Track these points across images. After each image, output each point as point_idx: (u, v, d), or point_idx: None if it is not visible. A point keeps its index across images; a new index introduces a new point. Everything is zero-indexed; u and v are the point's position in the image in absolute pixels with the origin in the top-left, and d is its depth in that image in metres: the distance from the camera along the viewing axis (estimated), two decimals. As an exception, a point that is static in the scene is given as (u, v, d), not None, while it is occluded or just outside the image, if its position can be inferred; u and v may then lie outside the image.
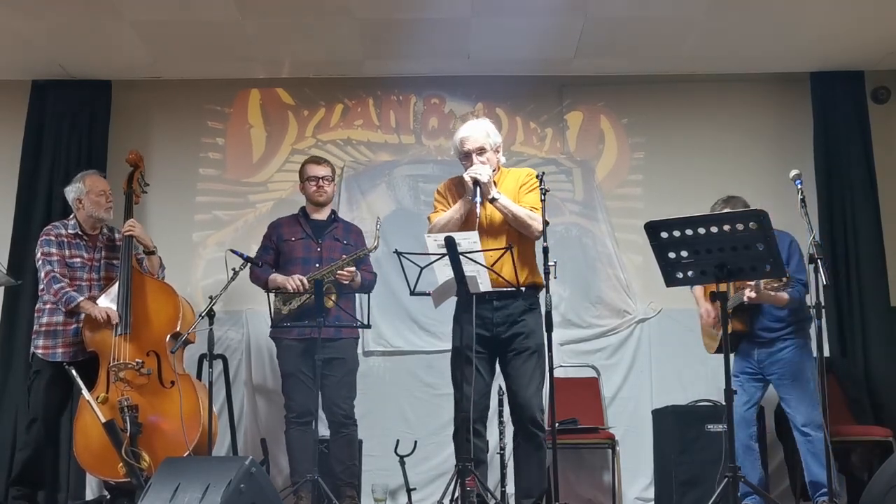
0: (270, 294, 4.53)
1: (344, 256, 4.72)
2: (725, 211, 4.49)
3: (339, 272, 4.64)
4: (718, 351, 4.69)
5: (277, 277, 4.71)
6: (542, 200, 3.98)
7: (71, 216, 4.69)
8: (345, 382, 4.73)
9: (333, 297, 4.60)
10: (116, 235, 4.76)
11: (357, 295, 4.91)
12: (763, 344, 4.55)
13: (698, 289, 4.88)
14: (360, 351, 5.03)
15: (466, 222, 3.97)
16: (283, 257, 4.84)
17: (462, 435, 3.77)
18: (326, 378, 4.65)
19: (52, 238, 4.55)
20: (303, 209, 4.97)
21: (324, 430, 4.86)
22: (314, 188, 4.87)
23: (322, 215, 4.93)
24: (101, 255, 4.67)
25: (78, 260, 4.58)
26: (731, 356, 4.63)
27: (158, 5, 5.09)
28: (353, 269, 4.68)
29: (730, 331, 4.48)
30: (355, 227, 5.08)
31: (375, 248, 4.78)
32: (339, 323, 4.65)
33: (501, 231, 4.00)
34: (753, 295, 4.30)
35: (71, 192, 4.67)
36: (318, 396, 4.48)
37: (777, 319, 4.53)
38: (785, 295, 4.36)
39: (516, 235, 3.97)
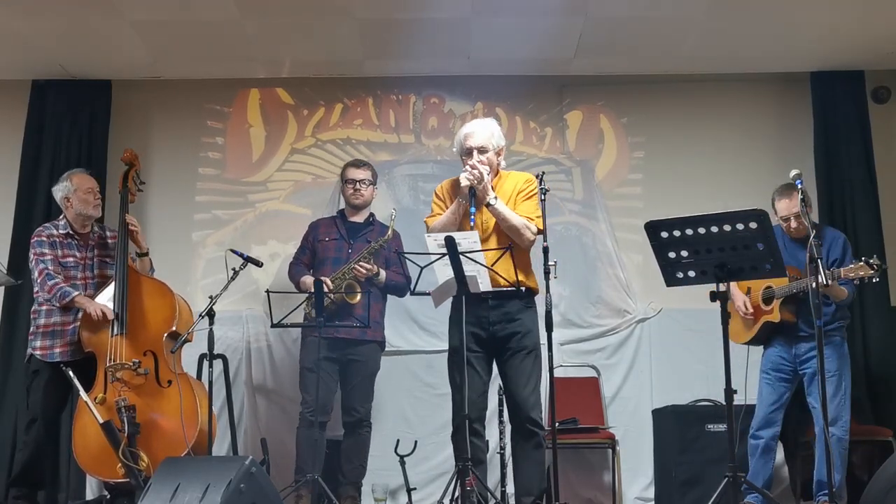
0: (270, 294, 4.53)
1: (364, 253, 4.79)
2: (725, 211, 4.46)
3: (355, 267, 4.70)
4: (750, 342, 4.63)
5: (307, 280, 4.80)
6: (542, 201, 3.98)
7: (60, 216, 4.68)
8: (363, 386, 4.82)
9: (358, 296, 4.68)
10: (108, 233, 4.76)
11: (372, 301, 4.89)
12: (805, 339, 4.46)
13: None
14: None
15: (464, 226, 3.96)
16: (316, 257, 4.94)
17: (461, 435, 3.77)
18: (346, 380, 4.74)
19: (45, 239, 4.54)
20: (341, 211, 5.09)
21: (332, 431, 4.89)
22: (351, 191, 4.96)
23: (359, 218, 5.00)
24: (93, 254, 4.66)
25: (71, 259, 4.57)
26: (762, 349, 4.65)
27: (158, 5, 5.09)
28: (368, 265, 4.72)
29: (778, 320, 4.47)
30: (394, 231, 5.09)
31: (388, 238, 4.81)
32: (340, 323, 4.66)
33: (494, 238, 3.99)
34: (828, 282, 4.15)
35: (59, 192, 4.66)
36: (328, 393, 4.58)
37: (825, 316, 4.40)
38: (845, 290, 4.31)
39: (508, 240, 3.95)
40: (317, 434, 4.50)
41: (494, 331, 3.95)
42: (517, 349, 3.95)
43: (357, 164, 5.08)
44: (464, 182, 3.92)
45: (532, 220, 3.99)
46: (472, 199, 3.89)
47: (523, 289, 3.95)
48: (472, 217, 3.85)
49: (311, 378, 4.71)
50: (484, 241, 3.93)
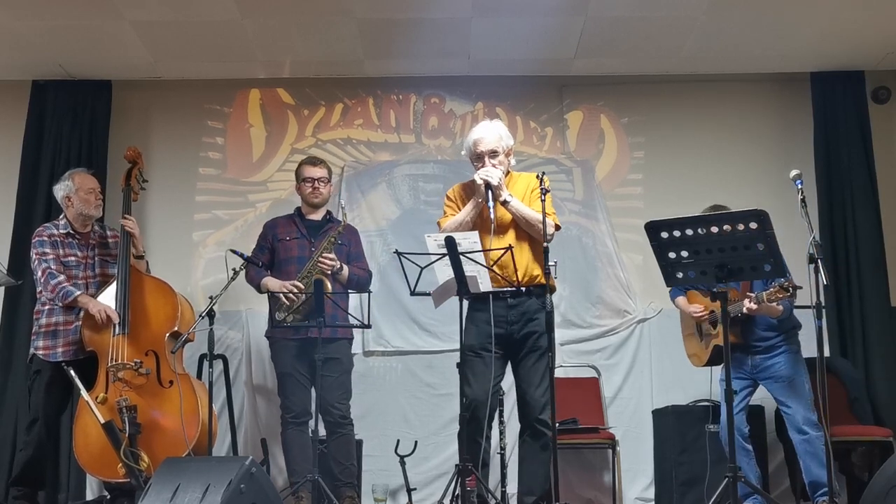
0: (273, 295, 4.51)
1: (327, 246, 4.71)
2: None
3: (320, 260, 4.64)
4: (708, 363, 4.73)
5: (269, 282, 4.72)
6: (542, 201, 3.98)
7: (61, 216, 4.68)
8: (340, 383, 4.72)
9: (329, 290, 4.59)
10: (108, 232, 4.77)
11: (355, 294, 4.89)
12: (758, 352, 4.58)
13: (681, 299, 4.90)
14: (359, 351, 5.03)
15: (478, 225, 3.99)
16: (277, 257, 4.85)
17: (469, 435, 3.77)
18: (322, 379, 4.65)
19: (46, 238, 4.54)
20: (298, 209, 4.98)
21: (321, 431, 4.87)
22: (309, 189, 4.87)
23: (317, 216, 4.93)
24: (94, 253, 4.66)
25: (72, 259, 4.57)
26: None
27: (158, 5, 5.09)
28: (332, 256, 4.66)
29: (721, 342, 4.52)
30: (349, 226, 5.08)
31: (343, 226, 4.77)
32: (339, 323, 4.64)
33: (512, 233, 4.02)
34: (754, 306, 4.34)
35: (60, 191, 4.66)
36: (316, 396, 4.49)
37: (770, 328, 4.57)
38: (780, 307, 4.41)
39: (526, 237, 3.99)
40: (310, 434, 4.43)
41: (512, 330, 3.96)
42: (533, 349, 3.96)
43: (313, 161, 4.97)
44: (479, 181, 3.96)
45: (548, 215, 4.00)
46: (488, 194, 3.93)
47: (532, 287, 3.96)
48: (492, 210, 3.89)
49: (288, 382, 4.68)
50: (502, 235, 3.97)
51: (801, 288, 4.19)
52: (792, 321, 4.60)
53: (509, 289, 3.89)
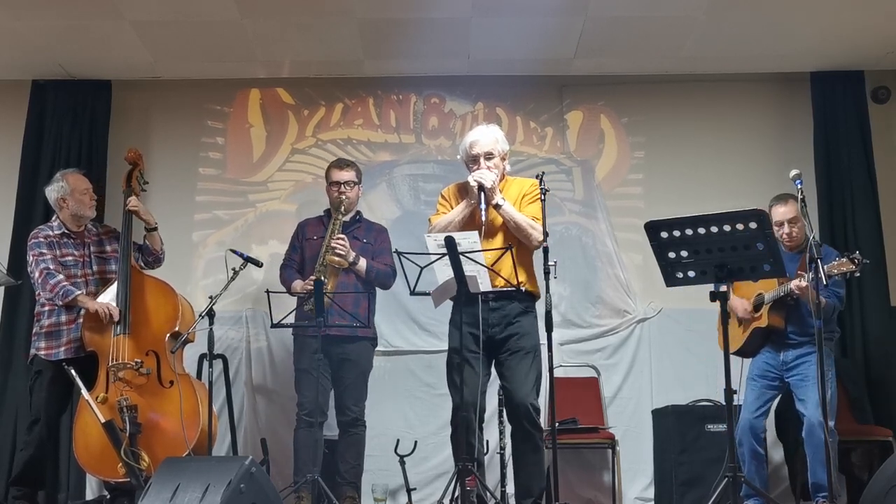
0: (270, 294, 4.52)
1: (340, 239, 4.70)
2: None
3: (332, 243, 4.64)
4: (740, 351, 4.64)
5: (297, 285, 4.76)
6: (542, 201, 3.99)
7: (54, 217, 4.68)
8: (357, 384, 4.75)
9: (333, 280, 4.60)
10: (101, 230, 4.78)
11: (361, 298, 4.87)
12: (793, 346, 4.49)
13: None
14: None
15: (468, 226, 4.00)
16: (305, 256, 4.89)
17: (460, 435, 3.77)
18: (339, 379, 4.69)
19: (42, 240, 4.54)
20: (328, 210, 5.00)
21: (330, 431, 4.88)
22: (336, 193, 4.87)
23: (346, 216, 4.94)
24: (90, 251, 4.66)
25: (70, 258, 4.57)
26: (751, 357, 4.63)
27: (158, 5, 5.09)
28: (343, 237, 4.67)
29: (765, 325, 4.47)
30: (378, 225, 5.08)
31: (345, 208, 4.80)
32: (340, 322, 4.63)
33: (500, 236, 4.03)
34: (804, 284, 4.21)
35: (54, 192, 4.64)
36: (323, 393, 4.52)
37: (812, 326, 4.47)
38: (825, 298, 4.29)
39: (515, 241, 3.99)
40: (317, 434, 4.48)
41: (493, 333, 3.96)
42: (514, 349, 3.96)
43: (341, 165, 4.96)
44: (472, 182, 3.96)
45: (537, 219, 4.02)
46: (480, 196, 3.93)
47: (523, 289, 3.97)
48: (484, 213, 3.89)
49: (305, 379, 4.70)
50: (491, 238, 3.97)
51: (868, 262, 4.09)
52: (832, 325, 4.53)
53: (498, 290, 3.88)
